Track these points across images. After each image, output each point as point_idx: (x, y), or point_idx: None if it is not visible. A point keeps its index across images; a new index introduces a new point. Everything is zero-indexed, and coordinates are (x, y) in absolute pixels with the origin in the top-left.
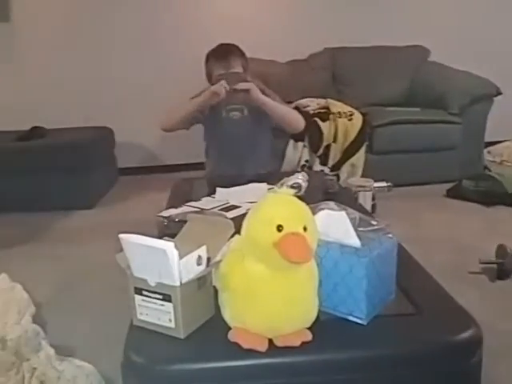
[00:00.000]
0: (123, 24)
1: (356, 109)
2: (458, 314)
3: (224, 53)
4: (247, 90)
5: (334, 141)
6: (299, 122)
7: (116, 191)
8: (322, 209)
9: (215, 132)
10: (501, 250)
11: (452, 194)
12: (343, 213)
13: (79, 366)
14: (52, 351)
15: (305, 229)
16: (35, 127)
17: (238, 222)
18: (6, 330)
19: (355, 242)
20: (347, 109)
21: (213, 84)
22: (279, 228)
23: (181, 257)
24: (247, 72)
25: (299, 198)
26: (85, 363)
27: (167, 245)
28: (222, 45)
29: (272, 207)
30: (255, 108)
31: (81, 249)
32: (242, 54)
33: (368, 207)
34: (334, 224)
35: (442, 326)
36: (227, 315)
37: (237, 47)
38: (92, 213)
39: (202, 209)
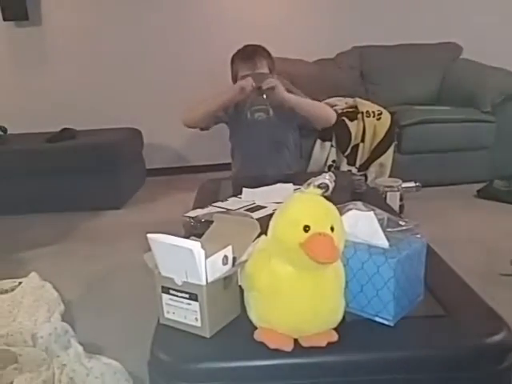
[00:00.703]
0: (150, 26)
1: (384, 108)
2: (488, 316)
3: (249, 54)
4: (272, 88)
5: (362, 140)
6: (329, 115)
7: (144, 192)
8: (350, 209)
9: (240, 133)
10: None
11: (483, 194)
12: (371, 213)
13: (107, 364)
14: (81, 349)
15: (332, 229)
16: (65, 129)
17: (264, 222)
18: (37, 327)
19: (383, 242)
20: (376, 108)
21: None
22: (306, 228)
23: (207, 256)
24: (273, 73)
25: (326, 198)
26: (112, 361)
27: (194, 244)
28: (247, 46)
29: (299, 207)
30: (280, 108)
31: (109, 248)
32: (268, 55)
33: (396, 208)
34: (362, 224)
35: (472, 328)
36: (253, 315)
37: (263, 48)
38: (120, 213)
39: (228, 209)
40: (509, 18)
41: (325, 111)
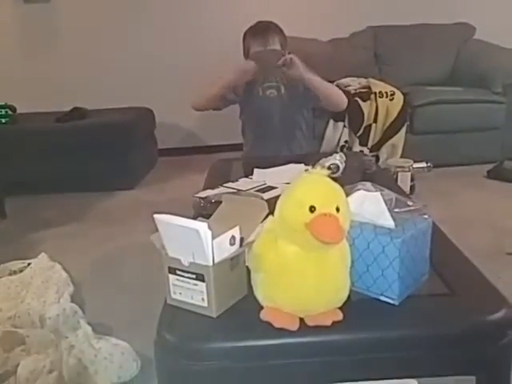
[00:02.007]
0: (162, 5)
1: (398, 88)
2: (490, 294)
3: (262, 30)
4: (290, 63)
5: (375, 121)
6: (342, 99)
7: (156, 172)
8: (359, 189)
9: (251, 110)
10: None
11: (493, 174)
12: (378, 194)
13: (115, 345)
14: (89, 330)
15: (337, 209)
16: (76, 108)
17: (274, 202)
18: (45, 308)
19: (389, 223)
20: (389, 88)
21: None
22: (312, 209)
23: (214, 237)
24: (285, 49)
25: (333, 179)
26: (120, 341)
27: (200, 225)
28: (260, 22)
29: (305, 188)
30: (292, 87)
31: (120, 229)
32: (281, 32)
33: (407, 188)
34: (369, 205)
35: (474, 306)
36: (259, 295)
37: (275, 25)
38: (132, 193)
39: (239, 190)
40: None
41: (337, 95)
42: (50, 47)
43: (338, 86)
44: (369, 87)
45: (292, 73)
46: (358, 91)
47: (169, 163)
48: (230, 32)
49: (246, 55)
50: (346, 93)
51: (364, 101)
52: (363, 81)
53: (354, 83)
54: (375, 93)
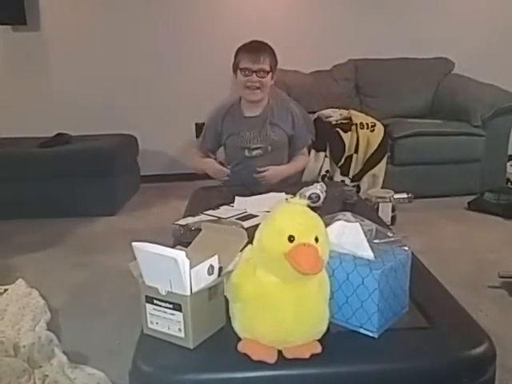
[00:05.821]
0: (149, 34)
1: (378, 120)
2: (471, 328)
3: (255, 47)
4: (264, 177)
5: (356, 151)
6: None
7: (138, 198)
8: (339, 219)
9: (236, 161)
10: None
11: (473, 206)
12: (357, 224)
13: (91, 374)
14: (65, 358)
15: (316, 240)
16: (59, 134)
17: (254, 231)
18: (20, 336)
19: (368, 253)
20: (369, 120)
21: (236, 77)
22: (291, 238)
23: (192, 266)
24: (274, 73)
25: (313, 208)
26: (96, 371)
27: (178, 254)
28: (255, 40)
29: (284, 217)
30: (278, 146)
31: (100, 255)
32: (273, 54)
33: (388, 218)
34: (348, 235)
35: (454, 340)
36: (237, 325)
37: (269, 46)
38: (113, 220)
39: (219, 217)
40: (498, 38)
41: (303, 164)
42: (36, 74)
43: (319, 116)
44: (350, 118)
45: (271, 183)
46: (339, 122)
47: (151, 190)
48: (214, 62)
49: (235, 69)
50: (328, 124)
51: (345, 132)
52: (344, 112)
53: (336, 114)
54: (356, 124)
